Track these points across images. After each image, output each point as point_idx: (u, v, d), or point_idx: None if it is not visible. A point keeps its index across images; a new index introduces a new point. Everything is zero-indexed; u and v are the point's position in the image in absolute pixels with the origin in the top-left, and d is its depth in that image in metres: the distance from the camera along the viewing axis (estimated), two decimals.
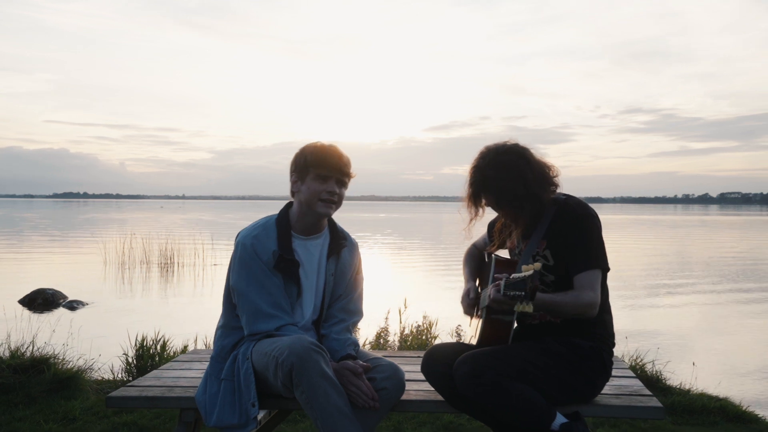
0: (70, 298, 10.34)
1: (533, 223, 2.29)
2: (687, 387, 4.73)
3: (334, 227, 2.42)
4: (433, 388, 2.34)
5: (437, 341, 5.34)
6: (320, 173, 2.26)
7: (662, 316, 9.30)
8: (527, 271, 1.95)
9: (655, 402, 2.22)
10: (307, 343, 2.07)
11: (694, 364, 5.51)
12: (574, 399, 2.22)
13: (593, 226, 2.22)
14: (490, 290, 2.11)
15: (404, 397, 2.24)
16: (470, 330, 2.44)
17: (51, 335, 5.97)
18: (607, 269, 2.25)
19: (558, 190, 2.29)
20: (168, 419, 3.87)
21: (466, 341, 2.56)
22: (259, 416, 2.32)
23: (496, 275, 2.21)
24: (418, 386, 2.43)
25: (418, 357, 2.85)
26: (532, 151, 2.28)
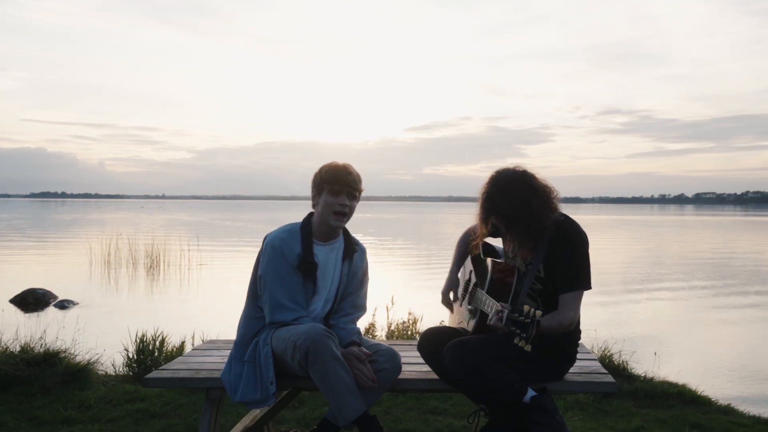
0: (60, 297, 10.56)
1: (534, 240, 2.62)
2: (651, 375, 5.18)
3: (347, 235, 2.82)
4: (424, 370, 2.74)
5: None
6: (333, 188, 2.66)
7: (632, 311, 9.84)
8: (530, 311, 2.30)
9: (609, 378, 2.63)
10: (321, 329, 2.47)
11: (655, 354, 5.99)
12: (543, 378, 2.62)
13: (583, 250, 2.58)
14: (490, 309, 2.47)
15: (400, 377, 2.64)
16: (456, 315, 2.83)
17: (59, 331, 6.26)
18: (590, 288, 2.59)
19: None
20: (177, 407, 4.21)
21: (455, 326, 2.94)
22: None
23: (493, 280, 2.60)
24: (411, 368, 2.83)
25: (410, 345, 3.25)
26: (537, 176, 2.62)
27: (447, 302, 2.91)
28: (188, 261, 16.03)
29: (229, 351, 3.04)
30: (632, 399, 4.52)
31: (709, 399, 4.62)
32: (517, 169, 2.63)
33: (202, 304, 10.81)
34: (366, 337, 2.79)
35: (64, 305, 10.14)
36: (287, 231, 2.72)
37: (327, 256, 2.73)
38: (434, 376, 2.72)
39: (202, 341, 6.01)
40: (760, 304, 10.62)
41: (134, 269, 15.03)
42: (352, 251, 2.79)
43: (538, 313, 2.33)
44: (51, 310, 9.77)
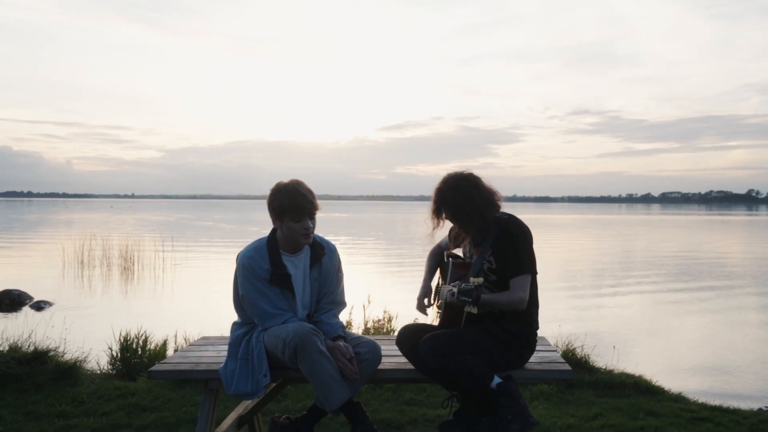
0: (36, 298, 10.62)
1: (481, 235, 3.04)
2: (610, 368, 5.55)
3: (312, 240, 3.03)
4: (401, 362, 3.05)
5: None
6: (294, 216, 2.87)
7: (595, 307, 10.29)
8: (475, 282, 2.74)
9: (566, 367, 2.96)
10: (307, 328, 2.75)
11: (614, 347, 6.39)
12: (508, 366, 2.95)
13: (526, 241, 2.99)
14: (446, 293, 2.87)
15: (380, 367, 2.93)
16: (431, 314, 3.16)
17: (46, 331, 6.42)
18: (535, 273, 3.00)
19: (511, 194, 3.05)
20: (167, 401, 4.44)
21: (428, 323, 3.29)
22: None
23: (453, 272, 3.00)
24: (390, 360, 3.12)
25: (388, 340, 3.55)
26: (483, 180, 3.09)
27: (422, 308, 3.25)
28: (162, 261, 16.08)
29: (222, 346, 3.31)
30: (592, 389, 4.89)
31: (663, 389, 5.01)
32: (465, 172, 3.11)
33: (179, 303, 10.97)
34: (349, 331, 3.06)
35: (40, 306, 10.20)
36: (254, 249, 2.95)
37: (296, 265, 2.97)
38: (411, 366, 3.02)
39: (185, 339, 6.23)
40: (716, 300, 11.16)
41: (108, 270, 15.06)
42: (320, 256, 3.02)
43: (480, 280, 2.76)
44: (27, 311, 9.83)
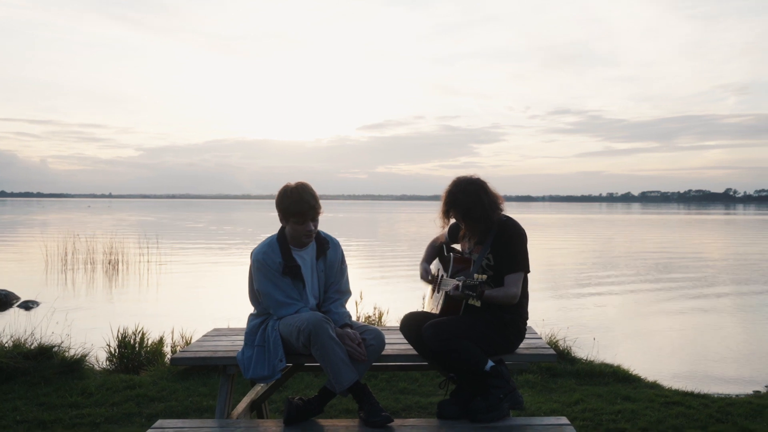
0: (23, 298, 10.71)
1: (483, 234, 3.31)
2: (591, 358, 5.88)
3: (318, 236, 3.33)
4: (403, 347, 3.33)
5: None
6: (298, 220, 3.15)
7: (578, 303, 10.67)
8: (480, 278, 3.01)
9: (551, 351, 3.28)
10: (320, 316, 3.03)
11: (594, 339, 6.73)
12: (500, 351, 3.24)
13: (521, 241, 3.28)
14: (451, 284, 3.14)
15: (384, 352, 3.20)
16: (430, 302, 3.44)
17: (47, 328, 6.58)
18: (528, 271, 3.29)
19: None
20: (172, 392, 4.67)
21: (428, 311, 3.57)
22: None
23: (454, 266, 3.27)
24: (393, 346, 3.41)
25: (388, 330, 3.84)
26: (489, 184, 3.35)
27: (426, 278, 3.52)
28: (147, 261, 16.19)
29: (234, 336, 3.56)
30: (574, 378, 5.21)
31: (639, 377, 5.35)
32: (473, 176, 3.37)
33: (168, 302, 11.13)
34: (355, 321, 3.35)
35: (28, 306, 10.29)
36: (267, 245, 3.24)
37: (304, 258, 3.27)
38: (412, 351, 3.30)
39: (181, 336, 6.44)
40: (692, 294, 11.60)
41: (92, 269, 15.13)
42: (324, 249, 3.32)
43: (484, 276, 3.03)
44: (16, 311, 9.92)
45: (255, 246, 3.30)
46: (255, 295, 3.25)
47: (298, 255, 3.24)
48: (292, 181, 3.22)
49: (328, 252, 3.33)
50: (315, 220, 3.20)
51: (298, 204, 3.13)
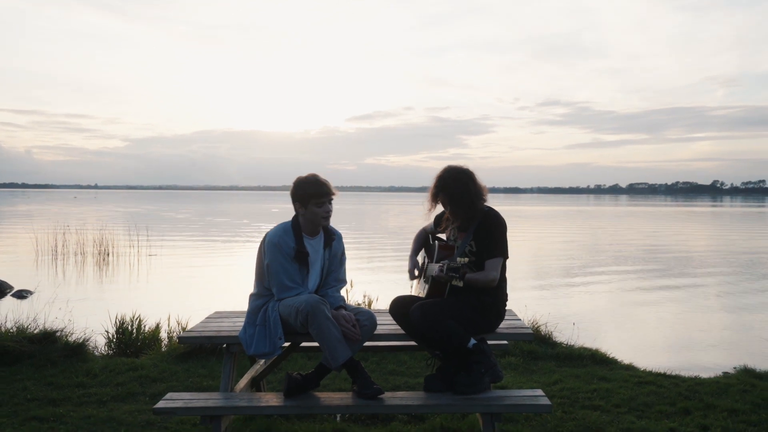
0: (16, 287, 10.87)
1: (467, 223, 3.58)
2: (571, 343, 6.18)
3: (326, 227, 3.62)
4: (393, 328, 3.60)
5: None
6: (318, 202, 3.45)
7: (560, 291, 11.00)
8: (462, 261, 3.28)
9: (528, 330, 3.58)
10: (317, 298, 3.29)
11: (573, 324, 7.04)
12: (481, 330, 3.52)
13: (502, 231, 3.56)
14: (436, 268, 3.40)
15: (375, 332, 3.46)
16: (417, 287, 3.71)
17: (47, 314, 6.77)
18: (507, 257, 3.57)
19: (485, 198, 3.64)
20: (173, 373, 4.92)
21: (415, 295, 3.84)
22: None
23: (438, 252, 3.54)
24: (384, 327, 3.68)
25: (379, 312, 4.11)
26: (476, 175, 3.63)
27: (413, 278, 3.79)
28: (138, 251, 16.36)
29: (235, 318, 3.82)
30: (554, 360, 5.51)
31: (616, 360, 5.66)
32: (463, 166, 3.67)
33: (158, 290, 11.37)
34: (349, 304, 3.62)
35: (22, 295, 10.44)
36: (283, 230, 3.51)
37: (314, 246, 3.55)
38: (401, 331, 3.57)
39: (177, 322, 6.66)
40: (672, 283, 11.97)
41: (83, 260, 15.27)
42: (331, 240, 3.62)
43: (466, 260, 3.31)
44: (11, 300, 10.08)
45: (270, 229, 3.54)
46: (262, 274, 3.48)
47: (309, 243, 3.52)
48: (303, 173, 3.55)
49: (333, 243, 3.62)
50: (331, 202, 3.49)
51: (317, 185, 3.45)
